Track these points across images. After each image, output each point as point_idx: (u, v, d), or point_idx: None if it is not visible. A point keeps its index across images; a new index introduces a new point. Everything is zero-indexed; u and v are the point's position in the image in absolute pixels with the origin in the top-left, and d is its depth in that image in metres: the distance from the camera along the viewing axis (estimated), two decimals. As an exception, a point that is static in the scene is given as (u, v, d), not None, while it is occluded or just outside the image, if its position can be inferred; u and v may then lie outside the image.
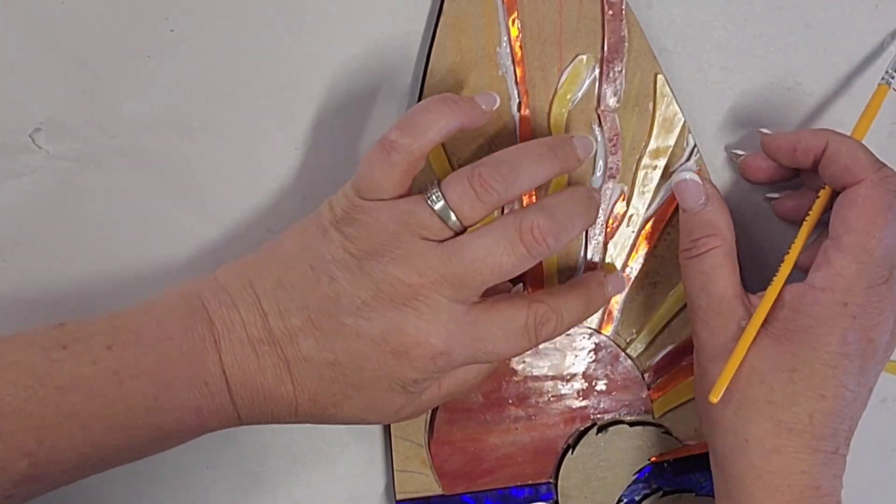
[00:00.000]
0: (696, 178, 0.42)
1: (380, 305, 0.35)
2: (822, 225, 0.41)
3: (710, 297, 0.40)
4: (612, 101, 0.44)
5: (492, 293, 0.39)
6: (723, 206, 0.41)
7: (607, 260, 0.46)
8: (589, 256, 0.46)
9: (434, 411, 0.46)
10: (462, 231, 0.37)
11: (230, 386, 0.35)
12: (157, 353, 0.35)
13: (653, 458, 0.47)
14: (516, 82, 0.44)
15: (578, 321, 0.40)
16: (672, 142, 0.45)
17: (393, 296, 0.35)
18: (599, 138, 0.45)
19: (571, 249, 0.45)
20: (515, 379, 0.46)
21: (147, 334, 0.35)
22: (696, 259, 0.41)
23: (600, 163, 0.45)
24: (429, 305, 0.35)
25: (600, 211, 0.45)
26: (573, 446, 0.46)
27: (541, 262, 0.45)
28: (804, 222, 0.41)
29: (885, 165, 0.39)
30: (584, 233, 0.45)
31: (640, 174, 0.45)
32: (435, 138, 0.37)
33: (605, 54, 0.44)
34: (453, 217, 0.36)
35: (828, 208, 0.40)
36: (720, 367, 0.39)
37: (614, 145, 0.45)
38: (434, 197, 0.36)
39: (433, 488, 0.46)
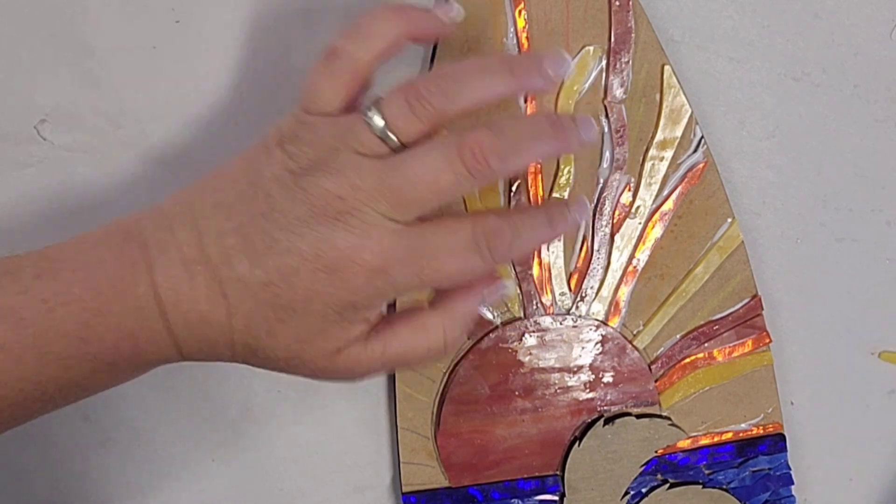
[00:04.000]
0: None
1: (312, 220, 0.33)
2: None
3: None
4: (619, 93, 0.44)
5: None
6: None
7: (614, 253, 0.46)
8: (596, 248, 0.45)
9: (441, 404, 0.46)
10: (401, 148, 0.35)
11: (163, 309, 0.34)
12: (87, 278, 0.33)
13: (659, 451, 0.47)
14: (523, 73, 0.44)
15: (539, 240, 0.37)
16: (679, 133, 0.45)
17: (325, 210, 0.33)
18: (606, 130, 0.44)
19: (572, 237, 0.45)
20: (522, 371, 0.46)
21: (78, 261, 0.34)
22: None
23: (607, 154, 0.45)
24: (361, 220, 0.33)
25: (607, 201, 0.45)
26: (580, 438, 0.46)
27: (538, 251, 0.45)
28: None
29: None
30: (590, 223, 0.45)
31: (647, 165, 0.45)
32: (381, 46, 0.35)
33: (612, 45, 0.44)
34: (389, 133, 0.34)
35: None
36: None
37: (621, 136, 0.45)
38: (370, 113, 0.34)
39: (440, 480, 0.46)
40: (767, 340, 0.46)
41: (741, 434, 0.47)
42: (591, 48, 0.44)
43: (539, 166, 0.44)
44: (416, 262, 0.34)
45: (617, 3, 0.43)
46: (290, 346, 0.35)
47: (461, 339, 0.38)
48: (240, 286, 0.34)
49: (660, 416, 0.47)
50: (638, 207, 0.45)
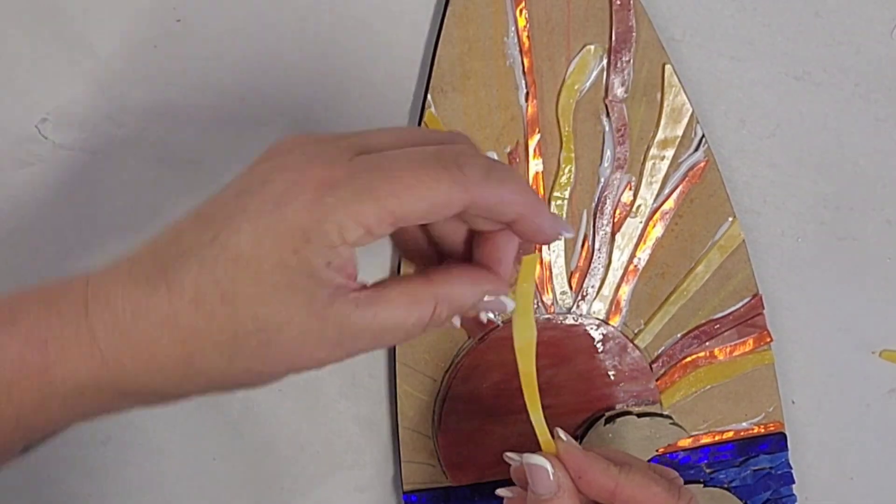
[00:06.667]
0: (548, 465, 0.35)
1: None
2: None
3: None
4: (619, 92, 0.44)
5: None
6: (574, 501, 0.35)
7: (615, 252, 0.46)
8: (597, 247, 0.45)
9: (442, 403, 0.45)
10: None
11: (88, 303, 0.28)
12: None
13: (660, 449, 0.47)
14: (524, 72, 0.44)
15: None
16: (680, 132, 0.45)
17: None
18: (607, 129, 0.44)
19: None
20: (523, 370, 0.46)
21: None
22: None
23: (608, 153, 0.45)
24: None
25: (608, 200, 0.45)
26: (581, 437, 0.46)
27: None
28: None
29: (679, 490, 0.35)
30: (591, 222, 0.45)
31: (648, 165, 0.45)
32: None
33: (613, 44, 0.44)
34: None
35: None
36: None
37: (622, 136, 0.45)
38: None
39: (441, 479, 0.46)
40: (768, 339, 0.46)
41: (742, 433, 0.47)
42: (593, 47, 0.44)
43: (541, 166, 0.44)
44: (369, 177, 0.28)
45: (618, 2, 0.43)
46: (255, 329, 0.29)
47: (447, 323, 0.33)
48: (186, 260, 0.28)
49: (661, 415, 0.47)
50: (639, 206, 0.45)
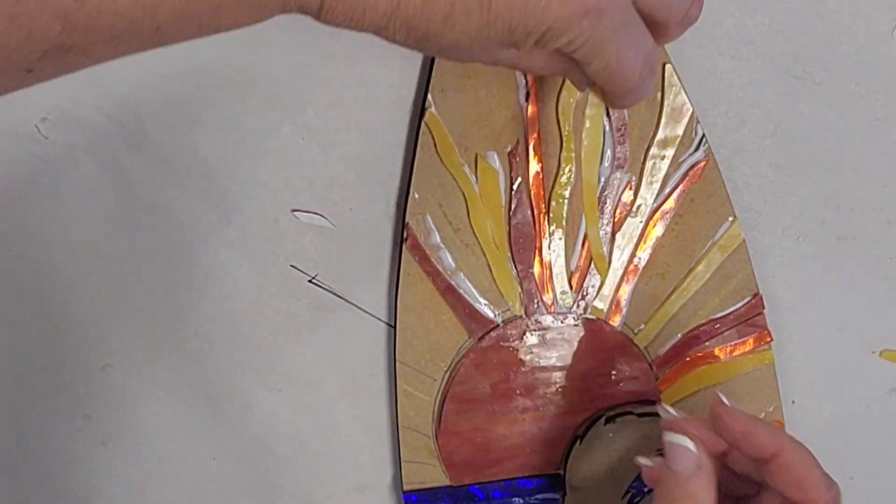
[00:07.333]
0: (691, 445, 0.36)
1: None
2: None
3: None
4: (620, 91, 0.44)
5: None
6: (711, 482, 0.36)
7: (615, 251, 0.46)
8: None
9: (442, 402, 0.45)
10: None
11: None
12: None
13: (661, 449, 0.47)
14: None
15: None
16: (680, 132, 0.45)
17: None
18: (607, 128, 0.44)
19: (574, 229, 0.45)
20: (523, 369, 0.46)
21: None
22: None
23: (608, 153, 0.45)
24: None
25: (608, 200, 0.45)
26: (581, 437, 0.46)
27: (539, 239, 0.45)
28: None
29: (833, 483, 0.36)
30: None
31: (649, 164, 0.45)
32: None
33: (614, 44, 0.44)
34: None
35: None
36: None
37: (622, 135, 0.45)
38: None
39: (441, 479, 0.46)
40: (769, 339, 0.46)
41: (742, 433, 0.47)
42: (593, 47, 0.44)
43: (541, 165, 0.44)
44: (620, 31, 0.32)
45: (618, 1, 0.43)
46: (458, 41, 0.31)
47: None
48: None
49: (661, 415, 0.47)
50: (639, 206, 0.45)
